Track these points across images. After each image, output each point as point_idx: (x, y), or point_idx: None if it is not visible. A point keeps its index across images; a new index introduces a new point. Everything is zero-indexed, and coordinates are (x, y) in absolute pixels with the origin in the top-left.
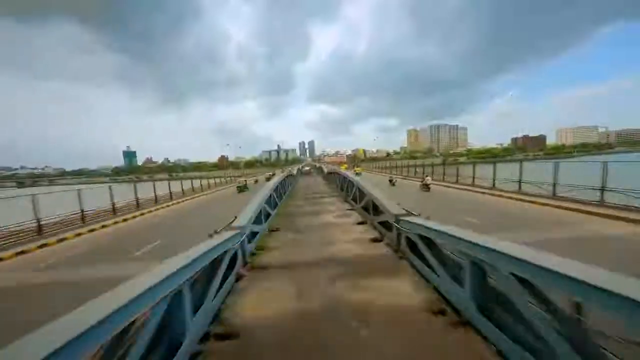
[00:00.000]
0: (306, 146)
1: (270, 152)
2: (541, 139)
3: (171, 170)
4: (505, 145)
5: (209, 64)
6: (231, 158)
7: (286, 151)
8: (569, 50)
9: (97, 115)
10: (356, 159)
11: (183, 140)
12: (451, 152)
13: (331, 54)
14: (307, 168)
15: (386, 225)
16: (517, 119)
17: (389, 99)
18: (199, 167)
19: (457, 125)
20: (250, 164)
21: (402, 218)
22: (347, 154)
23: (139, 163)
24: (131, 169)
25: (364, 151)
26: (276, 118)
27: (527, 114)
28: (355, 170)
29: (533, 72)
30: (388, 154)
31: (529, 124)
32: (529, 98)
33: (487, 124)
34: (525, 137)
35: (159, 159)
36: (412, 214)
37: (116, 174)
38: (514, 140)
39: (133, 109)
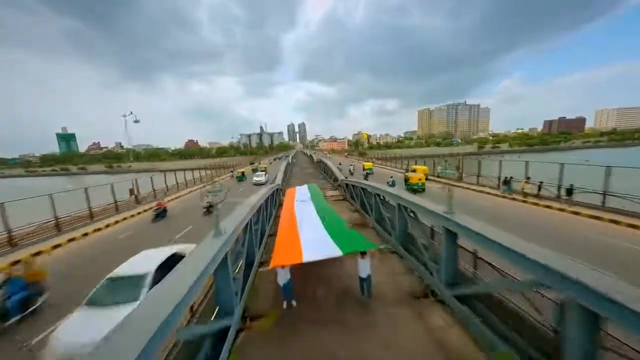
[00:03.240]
0: (296, 129)
1: (250, 135)
2: (580, 121)
3: (117, 158)
4: (527, 130)
5: (178, 29)
6: (204, 144)
7: (271, 135)
8: (586, 26)
9: (44, 91)
10: (359, 145)
11: (148, 122)
12: (474, 137)
13: (325, 20)
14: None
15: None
16: (531, 103)
17: (389, 79)
18: (156, 154)
19: (477, 106)
20: (222, 151)
21: (344, 180)
22: (348, 139)
23: (83, 149)
24: (67, 157)
25: (368, 136)
26: (261, 98)
27: (541, 98)
28: (412, 181)
29: (550, 49)
30: (399, 140)
31: (544, 108)
32: (541, 81)
33: (497, 107)
34: (562, 120)
35: (109, 143)
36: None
37: (42, 164)
38: (547, 123)
39: (87, 84)
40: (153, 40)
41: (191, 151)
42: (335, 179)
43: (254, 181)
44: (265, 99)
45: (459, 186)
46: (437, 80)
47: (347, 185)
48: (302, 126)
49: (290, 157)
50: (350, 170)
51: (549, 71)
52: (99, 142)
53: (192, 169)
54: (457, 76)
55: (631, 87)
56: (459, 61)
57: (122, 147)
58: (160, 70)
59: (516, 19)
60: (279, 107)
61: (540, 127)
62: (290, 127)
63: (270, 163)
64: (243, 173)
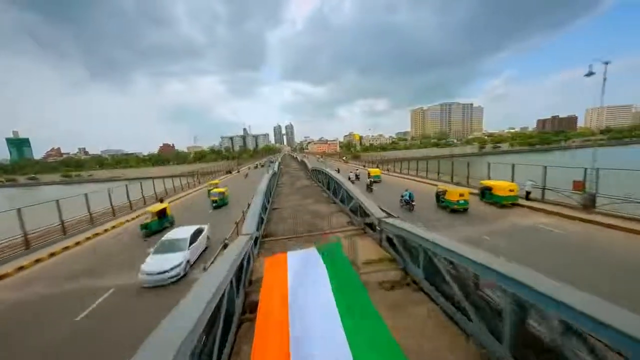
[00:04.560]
0: (283, 131)
1: (232, 138)
2: (572, 120)
3: (78, 166)
4: (518, 129)
5: (151, 23)
6: (182, 148)
7: (256, 137)
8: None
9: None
10: (351, 147)
11: (119, 125)
12: (470, 137)
13: (311, 17)
14: None
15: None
16: (519, 101)
17: (377, 78)
18: (124, 160)
19: (471, 105)
20: (201, 156)
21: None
22: (339, 140)
23: (40, 155)
24: (16, 165)
25: (361, 137)
26: (245, 99)
27: (529, 96)
28: (451, 198)
29: (537, 48)
30: (394, 142)
31: (533, 107)
32: (528, 80)
33: (486, 106)
34: (555, 119)
35: (72, 149)
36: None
37: None
38: (541, 122)
39: (48, 83)
40: (123, 35)
41: (165, 156)
42: (362, 213)
43: (143, 279)
44: (250, 100)
45: (596, 222)
46: (425, 79)
47: (402, 240)
48: (289, 127)
49: (277, 164)
50: (350, 178)
51: (537, 70)
52: (59, 148)
53: (154, 178)
54: (446, 75)
55: (621, 85)
56: (447, 61)
57: (86, 152)
58: (133, 69)
59: (503, 18)
60: (265, 108)
61: (530, 126)
62: (277, 129)
63: (247, 175)
64: (165, 212)
